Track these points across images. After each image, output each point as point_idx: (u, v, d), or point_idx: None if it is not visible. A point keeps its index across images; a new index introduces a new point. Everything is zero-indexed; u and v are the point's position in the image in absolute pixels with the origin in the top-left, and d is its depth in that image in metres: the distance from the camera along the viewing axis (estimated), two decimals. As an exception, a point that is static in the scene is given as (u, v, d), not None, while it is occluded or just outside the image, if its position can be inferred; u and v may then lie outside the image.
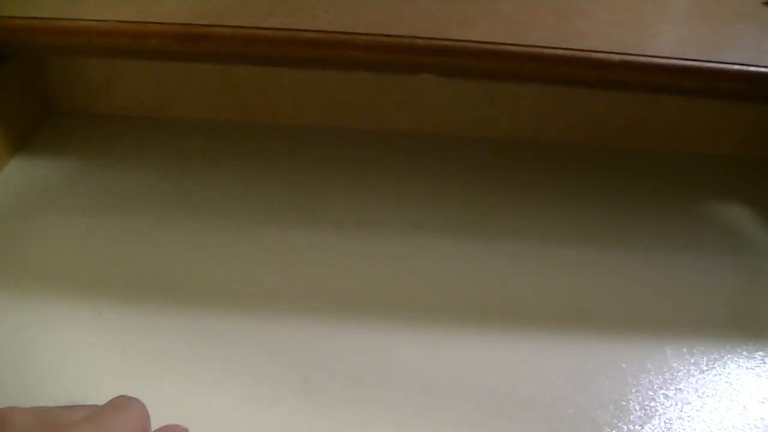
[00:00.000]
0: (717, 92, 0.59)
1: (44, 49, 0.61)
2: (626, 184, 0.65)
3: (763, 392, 0.46)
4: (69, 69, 0.67)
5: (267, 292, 0.52)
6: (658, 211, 0.62)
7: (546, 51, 0.54)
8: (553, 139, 0.70)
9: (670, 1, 0.65)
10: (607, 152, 0.69)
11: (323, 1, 0.58)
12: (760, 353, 0.49)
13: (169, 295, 0.51)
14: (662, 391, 0.46)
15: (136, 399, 0.33)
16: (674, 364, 0.48)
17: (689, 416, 0.44)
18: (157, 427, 0.34)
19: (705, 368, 0.48)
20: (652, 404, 0.45)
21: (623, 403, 0.45)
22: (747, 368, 0.48)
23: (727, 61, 0.55)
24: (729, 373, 0.48)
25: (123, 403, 0.32)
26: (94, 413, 0.31)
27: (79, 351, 0.47)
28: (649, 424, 0.44)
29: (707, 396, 0.46)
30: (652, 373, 0.47)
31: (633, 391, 0.46)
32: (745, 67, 0.55)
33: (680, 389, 0.46)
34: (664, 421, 0.44)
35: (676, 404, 0.45)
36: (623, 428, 0.43)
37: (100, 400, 0.33)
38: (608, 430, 0.43)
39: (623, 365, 0.48)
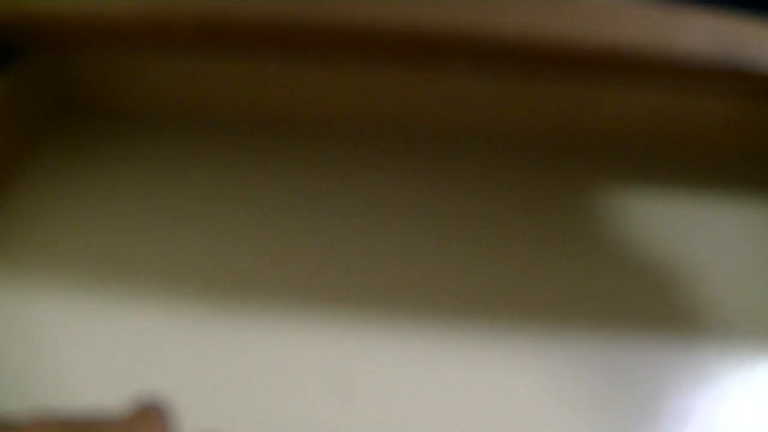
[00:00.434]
0: (744, 91, 0.58)
1: (68, 44, 0.61)
2: (650, 180, 0.64)
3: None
4: (92, 63, 0.67)
5: (280, 290, 0.51)
6: (685, 209, 0.61)
7: (571, 45, 0.54)
8: (559, 135, 0.69)
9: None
10: (635, 149, 0.68)
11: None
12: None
13: (193, 294, 0.51)
14: (700, 392, 0.45)
15: (161, 404, 0.33)
16: (709, 364, 0.47)
17: (726, 418, 0.44)
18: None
19: (739, 367, 0.47)
20: (690, 405, 0.44)
21: (661, 404, 0.44)
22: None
23: (755, 60, 0.55)
24: (760, 373, 0.47)
25: (145, 415, 0.32)
26: (119, 426, 0.30)
27: (90, 349, 0.46)
28: (686, 425, 0.43)
29: (746, 397, 0.45)
30: (687, 373, 0.46)
31: (670, 392, 0.45)
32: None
33: (718, 390, 0.45)
34: (700, 421, 0.43)
35: (714, 406, 0.44)
36: (658, 429, 0.43)
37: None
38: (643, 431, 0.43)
39: (657, 365, 0.47)
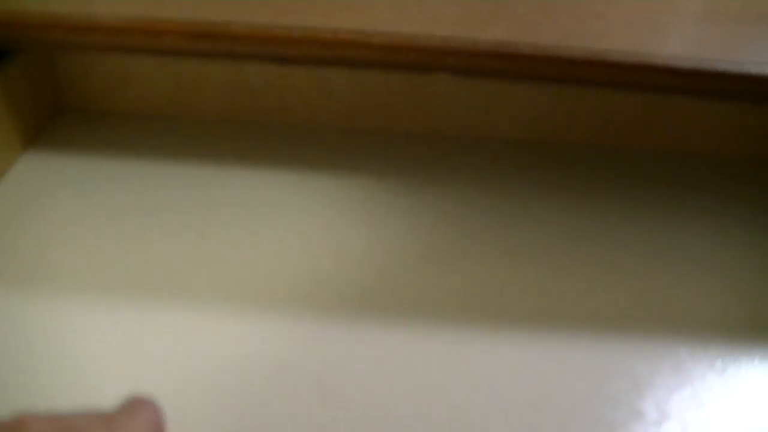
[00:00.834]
0: (731, 94, 0.59)
1: (56, 45, 0.61)
2: (638, 185, 0.65)
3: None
4: (81, 65, 0.67)
5: (278, 292, 0.52)
6: (674, 212, 0.62)
7: (561, 51, 0.54)
8: (561, 140, 0.70)
9: (684, 2, 0.65)
10: (616, 153, 0.68)
11: (338, -1, 0.58)
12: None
13: (183, 294, 0.51)
14: (677, 393, 0.46)
15: (150, 400, 0.33)
16: (689, 366, 0.48)
17: (705, 418, 0.44)
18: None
19: (721, 369, 0.48)
20: (668, 406, 0.45)
21: (638, 404, 0.45)
22: (762, 369, 0.48)
23: (741, 63, 0.55)
24: (744, 375, 0.48)
25: (137, 406, 0.32)
26: (109, 418, 0.31)
27: (89, 350, 0.47)
28: (664, 426, 0.44)
29: (722, 397, 0.46)
30: (667, 374, 0.47)
31: (648, 392, 0.46)
32: (759, 69, 0.55)
33: (695, 390, 0.46)
34: (680, 423, 0.44)
35: (692, 406, 0.45)
36: (638, 430, 0.44)
37: (105, 400, 0.33)
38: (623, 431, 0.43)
39: (637, 366, 0.48)
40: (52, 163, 0.63)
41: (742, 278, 0.56)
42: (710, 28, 0.61)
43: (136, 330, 0.48)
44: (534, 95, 0.67)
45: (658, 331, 0.51)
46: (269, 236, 0.56)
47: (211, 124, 0.68)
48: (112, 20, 0.54)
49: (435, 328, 0.50)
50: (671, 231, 0.59)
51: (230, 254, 0.55)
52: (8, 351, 0.46)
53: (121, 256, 0.54)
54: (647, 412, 0.45)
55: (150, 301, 0.50)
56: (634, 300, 0.53)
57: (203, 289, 0.52)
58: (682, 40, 0.59)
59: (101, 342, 0.47)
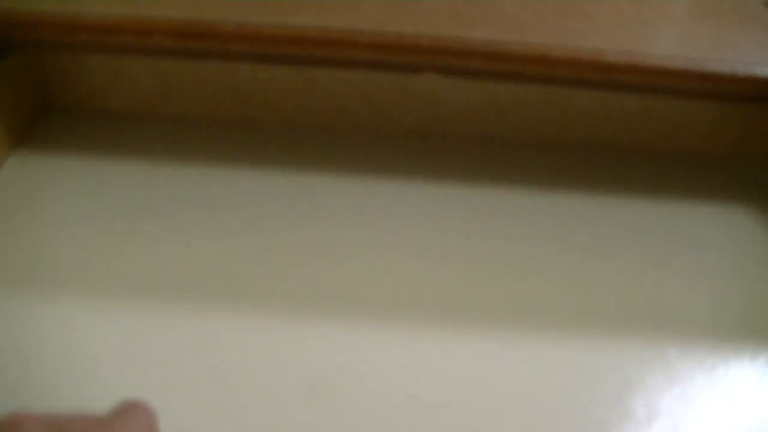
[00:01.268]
0: (719, 94, 0.59)
1: (44, 45, 0.61)
2: (628, 185, 0.65)
3: (767, 392, 0.47)
4: (69, 64, 0.67)
5: (269, 292, 0.52)
6: (662, 212, 0.62)
7: (549, 51, 0.54)
8: (550, 140, 0.70)
9: (672, 2, 0.66)
10: (605, 152, 0.69)
11: (327, -2, 0.58)
12: (764, 353, 0.49)
13: (169, 294, 0.51)
14: (666, 392, 0.46)
15: (143, 404, 0.33)
16: (678, 365, 0.48)
17: (694, 417, 0.45)
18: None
19: (709, 369, 0.48)
20: (657, 405, 0.45)
21: (628, 403, 0.45)
22: (751, 369, 0.48)
23: (729, 63, 0.55)
24: (733, 374, 0.48)
25: (131, 409, 0.32)
26: (102, 421, 0.31)
27: (80, 350, 0.46)
28: (654, 425, 0.44)
29: (712, 397, 0.46)
30: (656, 373, 0.47)
31: (637, 391, 0.46)
32: (747, 69, 0.55)
33: (685, 390, 0.46)
34: (669, 422, 0.44)
35: (681, 405, 0.45)
36: (628, 429, 0.44)
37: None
38: (613, 430, 0.43)
39: (627, 366, 0.48)
40: (39, 162, 0.62)
41: (730, 278, 0.56)
42: (699, 28, 0.61)
43: (125, 330, 0.48)
44: (523, 95, 0.67)
45: (648, 331, 0.51)
46: (260, 235, 0.56)
47: (199, 123, 0.68)
48: (99, 19, 0.54)
49: (425, 328, 0.50)
50: (660, 231, 0.60)
51: (220, 254, 0.54)
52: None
53: (109, 256, 0.53)
54: (637, 411, 0.45)
55: (139, 300, 0.50)
56: (624, 300, 0.53)
57: (192, 288, 0.51)
58: (672, 41, 0.60)
59: (89, 342, 0.47)
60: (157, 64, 0.66)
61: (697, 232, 0.60)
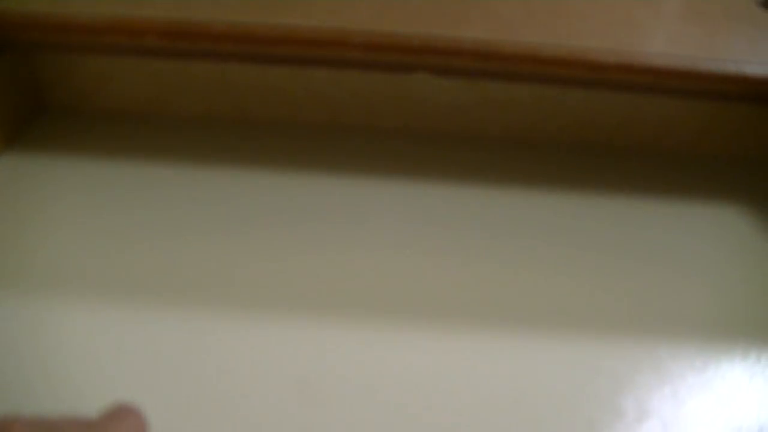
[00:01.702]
0: (711, 93, 0.59)
1: (36, 45, 0.61)
2: (619, 184, 0.65)
3: (757, 392, 0.47)
4: (62, 64, 0.67)
5: (262, 292, 0.52)
6: (652, 211, 0.62)
7: (541, 50, 0.54)
8: (546, 139, 0.70)
9: (663, 1, 0.66)
10: (599, 152, 0.69)
11: (318, -2, 0.58)
12: (755, 353, 0.50)
13: (161, 295, 0.51)
14: (657, 392, 0.46)
15: (134, 408, 0.33)
16: (669, 365, 0.48)
17: (684, 416, 0.45)
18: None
19: (700, 368, 0.48)
20: (647, 404, 0.45)
21: (618, 402, 0.45)
22: (741, 368, 0.48)
23: (720, 62, 0.56)
24: (724, 373, 0.48)
25: (121, 413, 0.33)
26: (92, 424, 0.31)
27: (68, 350, 0.46)
28: (644, 424, 0.44)
29: (702, 396, 0.46)
30: (646, 373, 0.47)
31: (628, 390, 0.46)
32: (738, 68, 0.55)
33: (675, 389, 0.46)
34: (659, 421, 0.44)
35: (672, 405, 0.45)
36: (618, 428, 0.44)
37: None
38: (603, 430, 0.44)
39: (618, 365, 0.48)
40: (32, 162, 0.62)
41: (722, 277, 0.56)
42: (690, 27, 0.62)
43: (115, 330, 0.48)
44: (515, 94, 0.67)
45: (639, 330, 0.51)
46: (252, 235, 0.56)
47: (192, 123, 0.68)
48: (91, 20, 0.54)
49: (414, 328, 0.50)
50: (651, 230, 0.60)
51: (213, 254, 0.54)
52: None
53: (102, 256, 0.53)
54: (628, 410, 0.45)
55: (130, 301, 0.50)
56: (615, 299, 0.53)
57: (184, 289, 0.51)
58: (663, 40, 0.60)
59: (78, 342, 0.47)
60: (149, 64, 0.66)
61: (687, 231, 0.60)
